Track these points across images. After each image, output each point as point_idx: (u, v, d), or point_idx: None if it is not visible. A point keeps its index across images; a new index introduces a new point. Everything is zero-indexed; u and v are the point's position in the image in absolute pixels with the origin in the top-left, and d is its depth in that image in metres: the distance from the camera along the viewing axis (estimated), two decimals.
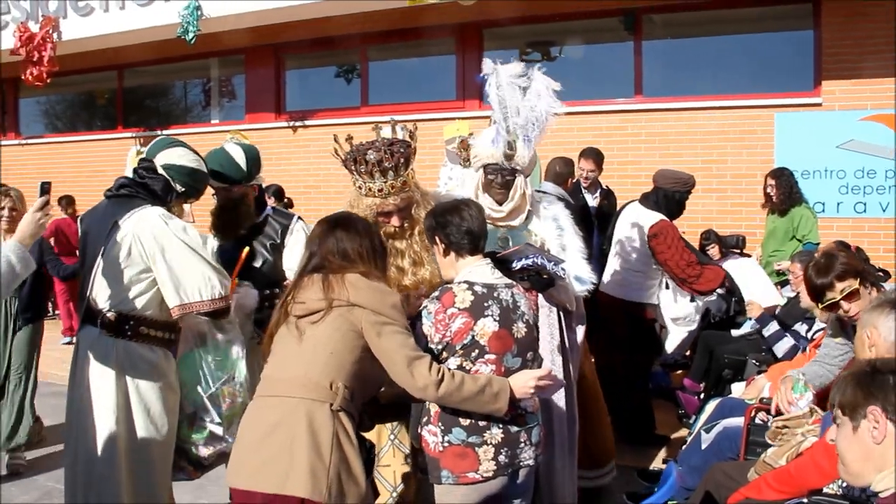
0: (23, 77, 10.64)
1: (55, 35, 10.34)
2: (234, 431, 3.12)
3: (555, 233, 3.71)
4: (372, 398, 2.79)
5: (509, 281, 2.89)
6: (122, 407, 3.26)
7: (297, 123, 10.36)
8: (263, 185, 4.15)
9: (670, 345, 6.57)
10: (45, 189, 3.02)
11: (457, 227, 2.83)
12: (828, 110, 7.73)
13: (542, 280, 3.32)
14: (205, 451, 3.41)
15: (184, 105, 12.23)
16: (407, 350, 2.53)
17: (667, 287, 5.74)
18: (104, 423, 3.25)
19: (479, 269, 2.82)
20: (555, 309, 3.65)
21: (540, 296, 3.52)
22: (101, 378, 3.26)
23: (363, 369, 2.58)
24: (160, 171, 3.39)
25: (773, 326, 4.76)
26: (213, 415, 3.36)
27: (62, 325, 9.68)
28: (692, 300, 6.10)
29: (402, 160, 3.24)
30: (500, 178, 3.59)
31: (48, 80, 10.56)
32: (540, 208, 3.76)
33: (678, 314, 6.51)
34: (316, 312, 2.56)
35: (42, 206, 2.99)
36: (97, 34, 10.13)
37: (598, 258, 5.76)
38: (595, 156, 6.53)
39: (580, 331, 3.83)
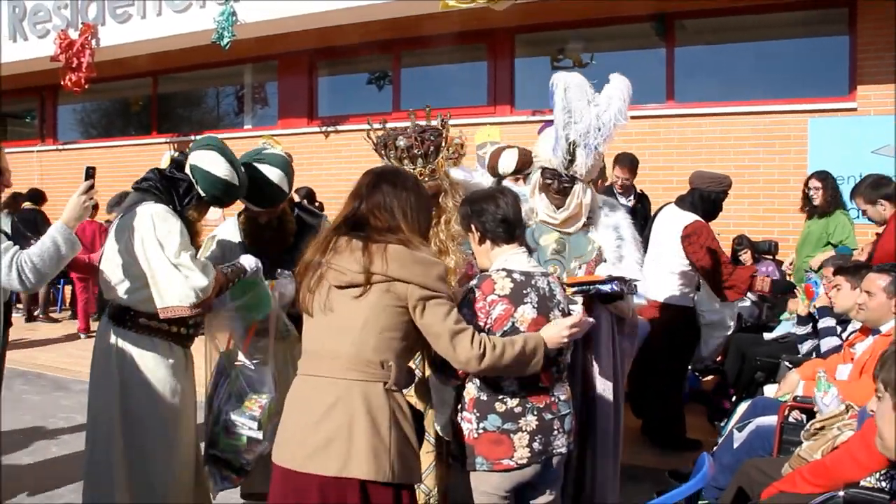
0: (62, 83, 10.86)
1: (94, 42, 10.55)
2: (271, 431, 3.13)
3: (614, 243, 3.60)
4: None
5: (544, 269, 2.91)
6: (118, 401, 3.24)
7: (330, 129, 10.46)
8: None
9: (705, 349, 6.54)
10: (90, 174, 3.08)
11: (492, 214, 2.84)
12: (863, 115, 7.66)
13: (608, 297, 3.26)
14: (248, 457, 3.42)
15: (217, 111, 12.40)
16: (450, 323, 2.49)
17: (697, 289, 5.71)
18: (103, 417, 3.26)
19: (515, 258, 2.83)
20: (610, 317, 3.56)
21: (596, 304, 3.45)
22: (103, 369, 3.28)
23: (411, 343, 2.56)
24: (187, 170, 3.32)
25: (830, 321, 4.69)
26: (249, 423, 3.37)
27: (78, 325, 9.95)
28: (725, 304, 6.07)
29: (431, 147, 3.24)
30: (557, 185, 3.50)
31: (86, 86, 10.76)
32: (601, 215, 3.66)
33: (712, 318, 6.48)
34: (355, 286, 2.49)
35: (87, 189, 3.05)
36: (134, 40, 10.31)
37: None
38: (630, 163, 6.53)
39: (626, 342, 3.74)
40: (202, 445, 3.55)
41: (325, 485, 2.39)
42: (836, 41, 8.00)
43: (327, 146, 10.47)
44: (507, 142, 7.58)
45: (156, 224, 3.13)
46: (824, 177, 6.69)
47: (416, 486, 2.69)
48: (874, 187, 5.34)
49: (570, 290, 3.11)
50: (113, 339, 3.27)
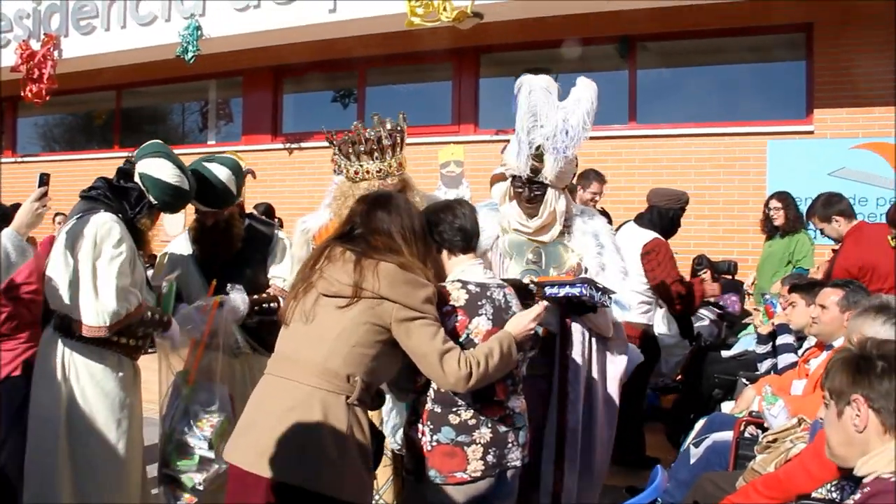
0: (22, 94, 10.71)
1: (56, 53, 10.43)
2: (222, 452, 3.06)
3: (594, 250, 3.50)
4: None
5: (501, 281, 2.90)
6: (63, 415, 3.16)
7: (293, 145, 10.42)
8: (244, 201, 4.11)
9: (665, 366, 6.56)
10: (44, 181, 3.02)
11: (449, 224, 2.82)
12: (820, 138, 7.81)
13: (579, 306, 3.19)
14: (199, 477, 3.37)
15: (182, 127, 12.30)
16: (437, 344, 2.49)
17: (660, 307, 5.74)
18: (47, 431, 3.16)
19: (471, 269, 2.82)
20: (587, 333, 3.49)
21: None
22: (46, 380, 3.18)
23: (382, 364, 2.55)
24: (136, 179, 3.26)
25: (789, 338, 4.74)
26: (200, 443, 3.33)
27: None
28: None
29: (398, 139, 3.28)
30: (528, 193, 3.42)
31: (47, 98, 10.63)
32: (579, 223, 3.56)
33: (669, 342, 6.52)
34: (342, 297, 2.49)
35: (40, 196, 2.99)
36: (98, 52, 10.21)
37: None
38: (602, 179, 6.54)
39: (622, 360, 3.63)
40: (156, 465, 3.48)
41: (272, 488, 2.37)
42: (794, 66, 8.18)
43: (291, 163, 10.42)
44: (470, 161, 7.63)
45: (98, 237, 3.08)
46: (784, 197, 6.80)
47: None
48: (826, 205, 5.44)
49: (540, 297, 3.07)
50: (60, 350, 3.18)
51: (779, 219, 6.72)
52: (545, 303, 2.81)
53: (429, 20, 7.85)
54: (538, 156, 3.33)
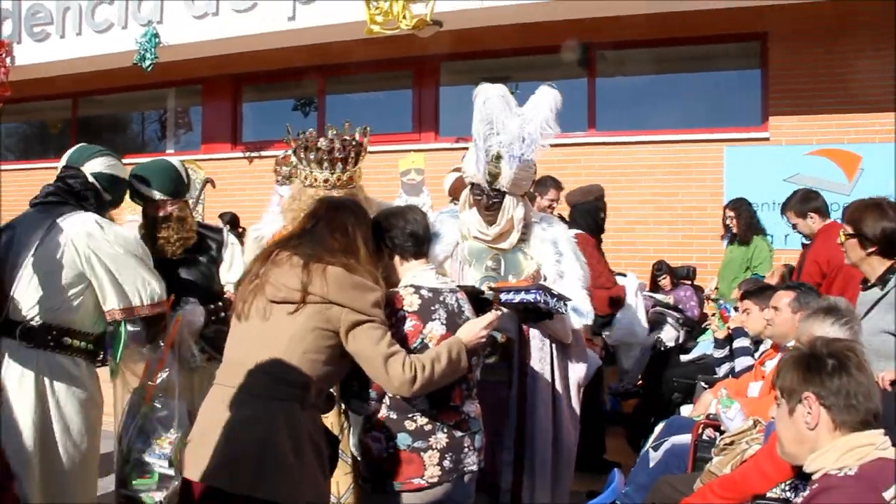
0: None
1: (8, 60, 10.22)
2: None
3: (552, 257, 3.50)
4: None
5: (453, 286, 2.89)
6: (39, 423, 3.11)
7: (254, 154, 10.33)
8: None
9: (627, 362, 6.55)
10: None
11: (401, 230, 2.82)
12: (775, 145, 7.94)
13: (534, 313, 3.17)
14: (160, 496, 3.32)
15: (140, 136, 12.15)
16: (383, 347, 2.48)
17: None
18: (19, 442, 3.08)
19: (423, 274, 2.81)
20: (547, 341, 3.50)
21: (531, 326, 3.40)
22: (19, 392, 3.10)
23: (333, 368, 2.54)
24: (90, 179, 3.30)
25: (745, 341, 4.79)
26: (159, 461, 3.29)
27: None
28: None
29: (352, 153, 3.27)
30: (486, 200, 3.43)
31: (1, 106, 10.41)
32: (538, 230, 3.56)
33: (618, 335, 6.45)
34: (290, 303, 2.48)
35: None
36: (53, 60, 10.04)
37: None
38: (559, 186, 6.57)
39: (581, 367, 3.63)
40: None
41: (230, 501, 2.34)
42: (749, 74, 8.31)
43: (251, 172, 10.32)
44: (430, 169, 7.64)
45: (103, 227, 3.16)
46: (737, 205, 6.92)
47: None
48: (803, 201, 5.52)
49: (497, 303, 3.07)
50: (31, 363, 3.11)
51: (734, 227, 6.84)
52: (498, 311, 2.81)
53: (388, 28, 7.84)
54: (495, 163, 3.33)
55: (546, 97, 3.36)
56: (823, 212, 5.51)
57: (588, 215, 5.40)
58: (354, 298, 2.48)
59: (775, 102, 7.98)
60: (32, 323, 3.12)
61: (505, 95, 3.36)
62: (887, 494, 1.88)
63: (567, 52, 8.43)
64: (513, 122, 3.31)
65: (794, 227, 5.69)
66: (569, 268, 3.49)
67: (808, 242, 5.62)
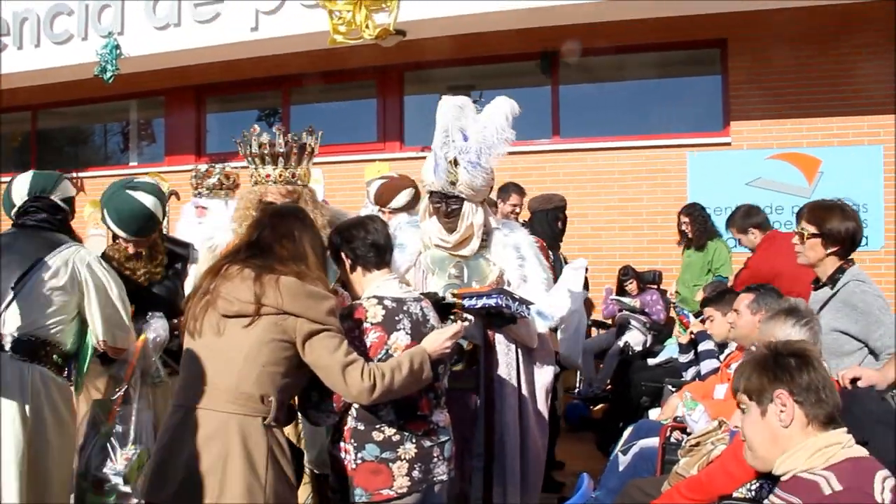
0: None
1: None
2: (139, 484, 3.08)
3: (515, 262, 3.52)
4: None
5: (417, 294, 2.89)
6: (27, 432, 3.15)
7: (219, 165, 10.22)
8: None
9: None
10: None
11: (362, 240, 2.80)
12: (737, 149, 8.05)
13: (498, 318, 3.18)
14: None
15: (103, 149, 11.99)
16: (340, 356, 2.45)
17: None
18: (7, 450, 3.13)
19: (387, 284, 2.80)
20: (513, 346, 3.50)
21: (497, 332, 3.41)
22: (6, 403, 3.14)
23: (292, 380, 2.52)
24: (62, 205, 3.43)
25: (709, 344, 4.83)
26: (115, 479, 3.27)
27: None
28: None
29: (294, 149, 3.33)
30: (445, 207, 3.44)
31: None
32: (499, 236, 3.58)
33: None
34: (244, 316, 2.46)
35: None
36: (10, 72, 9.85)
37: None
38: (521, 191, 6.59)
39: (548, 371, 3.65)
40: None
41: None
42: (710, 80, 8.42)
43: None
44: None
45: (102, 262, 3.36)
46: (690, 211, 7.02)
47: None
48: (745, 217, 5.65)
49: (460, 309, 3.08)
50: (25, 375, 3.19)
51: (689, 232, 6.94)
52: (465, 322, 2.80)
53: (351, 38, 7.82)
54: (452, 169, 3.37)
55: (501, 105, 3.43)
56: (765, 226, 5.69)
57: (548, 224, 5.44)
58: (309, 307, 2.46)
59: (736, 108, 8.09)
60: (31, 336, 3.21)
61: (463, 105, 3.42)
62: (878, 494, 1.90)
63: (567, 54, 8.49)
64: (469, 129, 3.37)
65: (739, 241, 5.90)
66: (532, 272, 3.52)
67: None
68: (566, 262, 5.37)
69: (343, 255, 2.84)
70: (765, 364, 2.11)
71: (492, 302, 3.05)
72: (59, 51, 9.53)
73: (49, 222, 3.38)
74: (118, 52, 9.13)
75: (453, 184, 3.39)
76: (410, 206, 4.77)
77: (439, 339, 2.67)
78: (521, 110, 3.45)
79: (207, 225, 4.52)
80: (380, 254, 2.82)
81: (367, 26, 7.63)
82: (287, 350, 2.46)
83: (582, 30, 8.13)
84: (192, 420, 2.43)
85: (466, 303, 3.06)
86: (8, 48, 9.80)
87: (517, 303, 3.11)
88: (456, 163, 3.36)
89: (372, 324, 2.68)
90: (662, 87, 8.77)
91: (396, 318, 2.70)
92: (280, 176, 3.32)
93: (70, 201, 3.50)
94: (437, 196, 3.46)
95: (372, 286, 2.80)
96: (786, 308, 3.05)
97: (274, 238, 2.59)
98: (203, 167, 5.66)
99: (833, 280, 3.47)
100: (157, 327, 3.50)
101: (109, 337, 3.30)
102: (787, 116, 7.89)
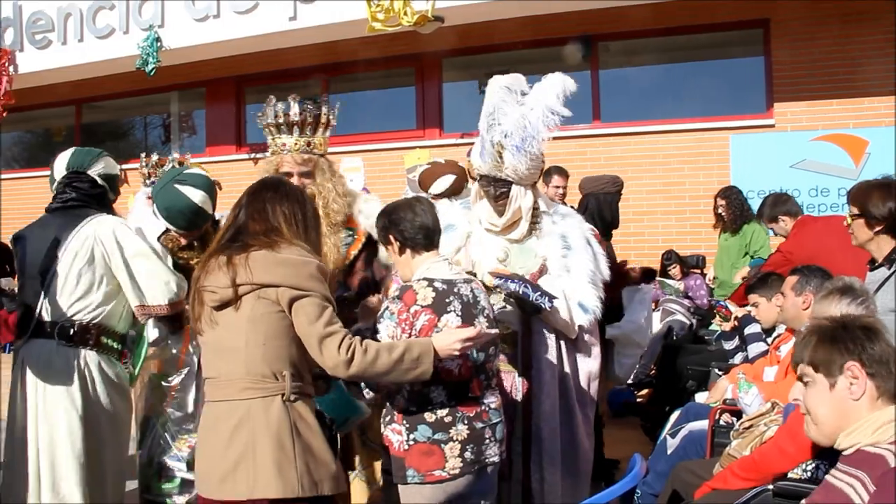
0: None
1: (11, 68, 10.24)
2: None
3: (559, 252, 3.42)
4: None
5: (467, 276, 2.88)
6: (81, 420, 3.18)
7: (258, 155, 10.33)
8: None
9: (619, 369, 6.35)
10: None
11: (410, 222, 2.79)
12: (780, 131, 7.92)
13: (528, 304, 3.13)
14: (181, 500, 3.35)
15: (144, 141, 12.15)
16: (319, 326, 2.38)
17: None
18: (63, 440, 3.16)
19: (436, 266, 2.80)
20: (553, 334, 3.40)
21: (535, 319, 3.34)
22: (60, 392, 3.18)
23: (301, 348, 2.45)
24: (99, 181, 3.42)
25: (755, 327, 4.76)
26: (179, 465, 3.31)
27: None
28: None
29: (309, 118, 3.35)
30: (494, 191, 3.38)
31: (4, 114, 10.43)
32: (547, 223, 3.49)
33: (613, 333, 6.30)
34: (228, 303, 2.42)
35: None
36: (55, 67, 10.05)
37: None
38: (565, 173, 6.54)
39: (592, 362, 3.54)
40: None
41: None
42: (753, 61, 8.28)
43: (256, 173, 10.28)
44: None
45: (128, 226, 3.31)
46: (726, 194, 6.94)
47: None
48: (773, 205, 5.58)
49: (493, 293, 3.06)
50: (73, 362, 3.21)
51: (725, 215, 6.86)
52: (480, 328, 2.72)
53: (390, 26, 7.83)
54: (498, 152, 3.31)
55: (552, 84, 3.30)
56: (794, 212, 5.55)
57: (608, 206, 5.15)
58: (285, 275, 2.39)
59: (780, 89, 7.96)
60: (71, 322, 3.22)
61: (511, 85, 3.32)
62: None
63: (569, 51, 8.43)
64: (514, 111, 3.27)
65: (772, 231, 5.78)
66: (576, 262, 3.41)
67: None
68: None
69: (391, 237, 2.84)
70: (834, 335, 2.02)
71: (511, 287, 3.02)
72: (102, 45, 9.71)
73: (78, 199, 3.34)
74: (159, 44, 9.25)
75: (499, 167, 3.33)
76: (452, 192, 4.75)
77: (451, 338, 2.57)
78: (573, 88, 3.32)
79: None
80: (428, 236, 2.81)
81: (405, 13, 7.63)
82: (284, 319, 2.41)
83: (622, 12, 8.05)
84: (219, 414, 2.44)
85: (495, 281, 3.05)
86: (53, 44, 9.97)
87: (538, 293, 3.05)
88: (501, 146, 3.30)
89: (422, 306, 2.67)
90: (704, 69, 8.67)
91: (447, 300, 2.70)
92: (295, 144, 3.34)
93: (112, 179, 3.50)
94: (485, 179, 3.40)
95: (421, 268, 2.79)
96: (840, 286, 2.98)
97: (248, 215, 2.53)
98: (155, 156, 5.61)
99: (890, 260, 3.39)
100: None
101: (151, 296, 3.23)
102: (833, 97, 7.73)
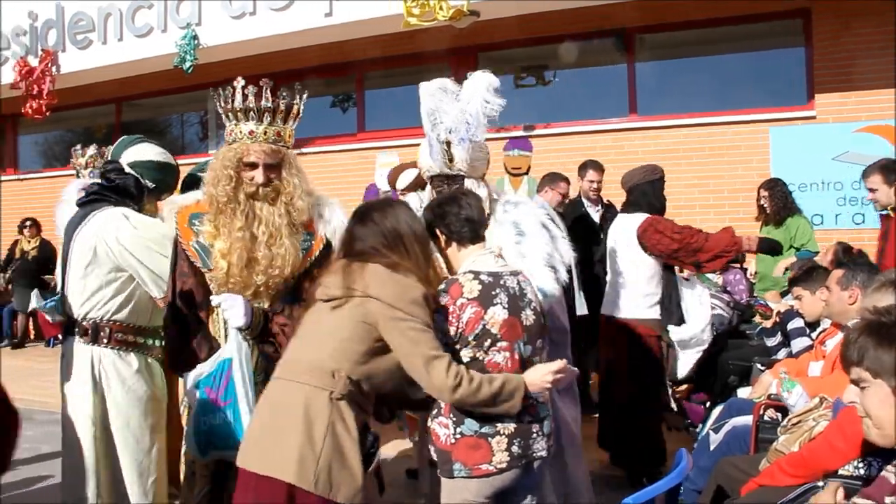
0: (22, 111, 10.72)
1: (54, 68, 10.43)
2: None
3: (513, 239, 3.46)
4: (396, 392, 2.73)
5: (514, 268, 2.89)
6: (99, 418, 3.21)
7: (295, 151, 10.38)
8: None
9: (682, 368, 6.32)
10: None
11: (455, 216, 2.82)
12: (822, 123, 7.80)
13: None
14: None
15: (181, 138, 12.30)
16: (424, 349, 2.48)
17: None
18: (83, 436, 3.20)
19: (482, 259, 2.81)
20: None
21: None
22: (79, 388, 3.23)
23: (375, 361, 2.54)
24: (127, 169, 3.39)
25: (798, 322, 4.70)
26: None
27: None
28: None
29: (281, 105, 3.01)
30: (447, 188, 3.45)
31: (47, 114, 10.63)
32: (499, 212, 3.54)
33: (684, 336, 6.33)
34: (335, 299, 2.55)
35: None
36: (96, 66, 10.21)
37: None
38: (601, 167, 6.52)
39: (563, 346, 3.61)
40: None
41: (259, 482, 2.40)
42: (793, 52, 8.16)
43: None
44: None
45: (129, 218, 3.21)
46: (770, 186, 6.84)
47: None
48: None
49: None
50: (87, 359, 3.22)
51: (767, 207, 6.76)
52: (565, 362, 2.73)
53: (425, 20, 7.84)
54: (447, 149, 3.40)
55: (479, 80, 3.43)
56: None
57: (654, 195, 5.07)
58: (392, 295, 2.50)
59: (820, 80, 7.83)
60: (85, 318, 3.24)
61: (444, 87, 3.44)
62: None
63: (565, 49, 8.44)
64: (453, 108, 3.39)
65: (873, 192, 5.07)
66: (531, 247, 3.44)
67: (886, 213, 5.15)
68: None
69: (437, 231, 2.87)
70: (892, 337, 1.98)
71: None
72: (141, 44, 9.83)
73: (97, 192, 3.33)
74: (196, 42, 9.34)
75: (450, 163, 3.43)
76: (417, 186, 4.80)
77: (542, 372, 2.64)
78: (498, 83, 3.43)
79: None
80: (474, 228, 2.84)
81: (440, 8, 7.64)
82: (370, 332, 2.51)
83: (657, 5, 7.99)
84: (271, 389, 2.56)
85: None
86: (93, 44, 10.14)
87: None
88: (448, 143, 3.40)
89: (468, 299, 2.68)
90: (742, 60, 8.54)
91: (493, 292, 2.70)
92: (265, 133, 2.97)
93: (148, 166, 3.43)
94: (438, 179, 3.51)
95: (467, 261, 2.81)
96: (892, 279, 2.94)
97: (373, 232, 2.65)
98: (93, 148, 5.23)
99: None
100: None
101: (159, 289, 3.19)
102: (876, 87, 7.59)
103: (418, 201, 4.47)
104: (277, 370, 2.61)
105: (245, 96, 2.96)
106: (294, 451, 2.37)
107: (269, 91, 2.99)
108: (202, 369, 2.87)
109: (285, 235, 2.98)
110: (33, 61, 10.52)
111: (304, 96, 3.14)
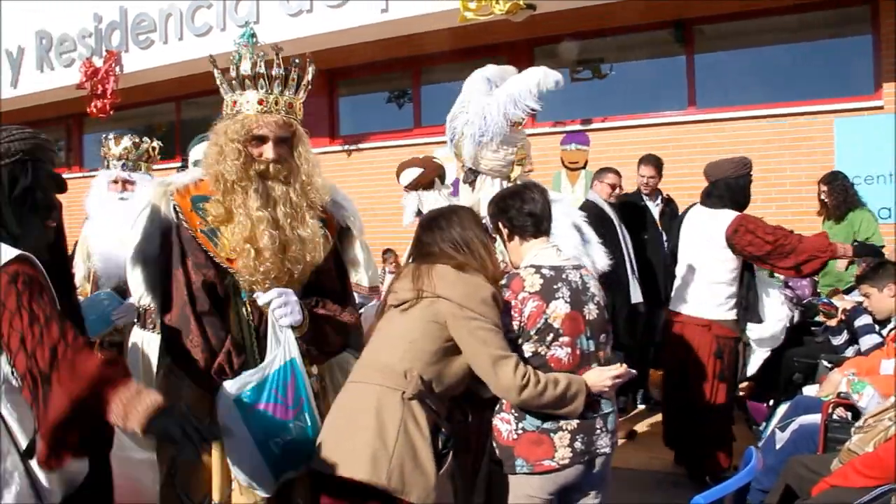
0: (87, 110, 10.99)
1: (117, 68, 10.68)
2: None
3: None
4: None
5: (577, 262, 2.86)
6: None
7: (352, 147, 10.48)
8: None
9: (753, 366, 6.16)
10: None
11: (518, 210, 2.81)
12: (889, 113, 7.55)
13: None
14: None
15: None
16: (492, 348, 2.50)
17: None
18: None
19: (544, 253, 2.79)
20: None
21: None
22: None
23: (445, 361, 2.56)
24: (190, 166, 3.56)
25: (866, 318, 4.55)
26: None
27: None
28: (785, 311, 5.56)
29: (293, 72, 2.72)
30: (464, 178, 3.43)
31: (111, 113, 10.88)
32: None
33: (763, 334, 6.11)
34: (405, 302, 2.58)
35: None
36: (157, 65, 10.43)
37: (666, 270, 5.56)
38: (654, 162, 6.43)
39: None
40: None
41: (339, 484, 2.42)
42: (859, 40, 7.91)
43: (350, 165, 10.48)
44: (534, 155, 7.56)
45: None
46: (830, 180, 6.65)
47: None
48: None
49: None
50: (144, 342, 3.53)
51: (829, 202, 6.58)
52: (625, 366, 2.70)
53: (482, 14, 7.80)
54: (460, 142, 3.31)
55: (525, 77, 3.27)
56: None
57: (741, 191, 4.77)
58: (460, 294, 2.53)
59: (888, 68, 7.57)
60: (140, 306, 3.59)
61: (488, 76, 3.33)
62: None
63: (564, 48, 8.44)
64: (479, 102, 3.24)
65: None
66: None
67: None
68: None
69: (500, 224, 2.86)
70: None
71: None
72: (201, 42, 9.99)
73: None
74: (254, 40, 9.41)
75: (458, 156, 3.35)
76: (418, 185, 4.75)
77: (602, 375, 2.65)
78: (561, 83, 3.26)
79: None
80: (537, 222, 2.82)
81: (497, 2, 7.60)
82: (441, 331, 2.54)
83: None
84: (345, 392, 2.58)
85: None
86: (155, 43, 10.35)
87: None
88: (462, 135, 3.30)
89: (530, 293, 2.67)
90: (805, 50, 8.32)
91: (555, 286, 2.68)
92: (276, 102, 2.63)
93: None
94: (467, 172, 3.43)
95: (529, 255, 2.80)
96: None
97: (440, 237, 2.70)
98: (127, 139, 4.88)
99: None
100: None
101: None
102: None
103: (417, 201, 4.50)
104: (351, 374, 2.64)
105: (254, 63, 2.66)
106: (367, 448, 2.39)
107: (279, 58, 2.70)
108: (245, 381, 2.46)
109: (309, 217, 2.64)
110: (98, 62, 10.78)
111: (312, 67, 2.79)
